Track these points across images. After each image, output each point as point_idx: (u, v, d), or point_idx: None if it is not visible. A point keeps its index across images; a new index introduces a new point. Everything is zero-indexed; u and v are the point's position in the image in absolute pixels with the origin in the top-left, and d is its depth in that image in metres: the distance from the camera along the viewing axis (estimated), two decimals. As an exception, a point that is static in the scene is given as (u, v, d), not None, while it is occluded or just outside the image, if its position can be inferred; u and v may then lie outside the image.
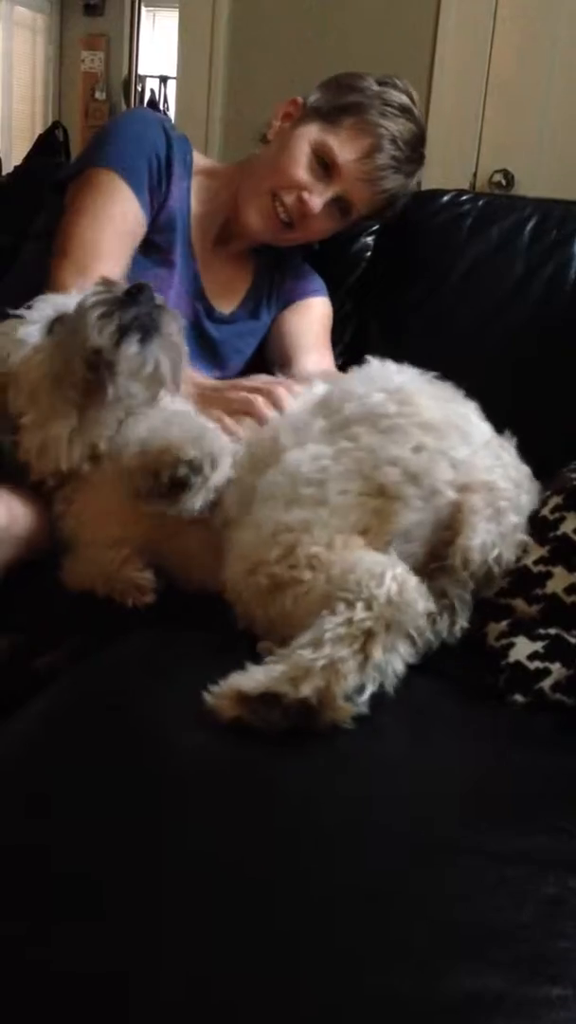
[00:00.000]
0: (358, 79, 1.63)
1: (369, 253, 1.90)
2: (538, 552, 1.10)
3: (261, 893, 0.73)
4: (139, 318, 1.18)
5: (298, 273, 1.78)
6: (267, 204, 1.61)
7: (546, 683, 1.01)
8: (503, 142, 2.61)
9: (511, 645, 1.05)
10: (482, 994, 0.66)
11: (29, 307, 1.28)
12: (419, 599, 0.98)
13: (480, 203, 1.88)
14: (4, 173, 2.89)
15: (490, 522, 1.07)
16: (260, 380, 1.35)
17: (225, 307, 1.72)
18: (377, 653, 0.94)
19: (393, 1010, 0.65)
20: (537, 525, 1.13)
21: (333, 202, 1.61)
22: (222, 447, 1.14)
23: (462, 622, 1.07)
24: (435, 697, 1.01)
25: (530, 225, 1.82)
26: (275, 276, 1.76)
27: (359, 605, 0.95)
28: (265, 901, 0.73)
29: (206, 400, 1.32)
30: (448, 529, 1.07)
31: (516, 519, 1.10)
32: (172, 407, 1.26)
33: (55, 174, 1.73)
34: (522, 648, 1.04)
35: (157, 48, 8.08)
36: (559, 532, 1.11)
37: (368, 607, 0.95)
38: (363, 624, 0.94)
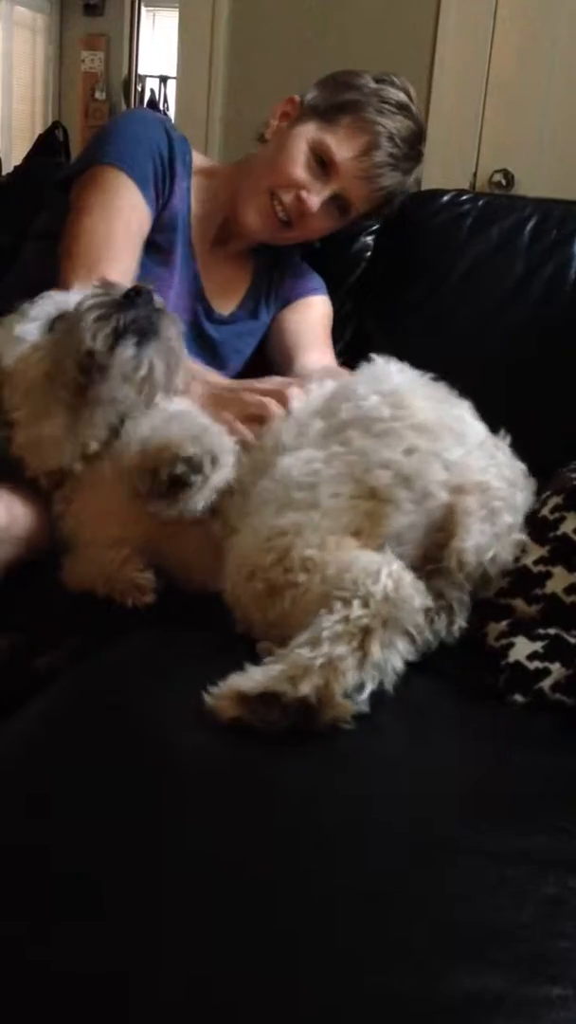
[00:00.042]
0: (355, 77, 1.63)
1: (369, 253, 1.90)
2: (538, 552, 1.10)
3: (261, 893, 0.73)
4: (136, 321, 1.18)
5: (297, 272, 1.78)
6: (265, 203, 1.61)
7: (546, 683, 1.01)
8: (503, 142, 2.61)
9: (511, 645, 1.05)
10: (482, 994, 0.66)
11: (32, 303, 1.28)
12: (415, 595, 0.98)
13: (480, 203, 1.88)
14: (4, 173, 2.89)
15: (484, 523, 1.07)
16: (274, 382, 1.34)
17: (224, 308, 1.72)
18: (375, 650, 0.94)
19: (393, 1010, 0.65)
20: (537, 525, 1.13)
21: (331, 200, 1.61)
22: (223, 446, 1.14)
23: (460, 622, 1.07)
24: (434, 697, 1.01)
25: (530, 225, 1.82)
26: (274, 275, 1.76)
27: (356, 603, 0.95)
28: (265, 901, 0.73)
29: (219, 401, 1.31)
30: (442, 531, 1.07)
31: (511, 519, 1.10)
32: (174, 407, 1.26)
33: (55, 174, 1.73)
34: (522, 648, 1.04)
35: (157, 48, 8.08)
36: (559, 532, 1.11)
37: (365, 604, 0.95)
38: (360, 621, 0.94)
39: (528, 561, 1.10)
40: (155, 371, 1.21)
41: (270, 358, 1.73)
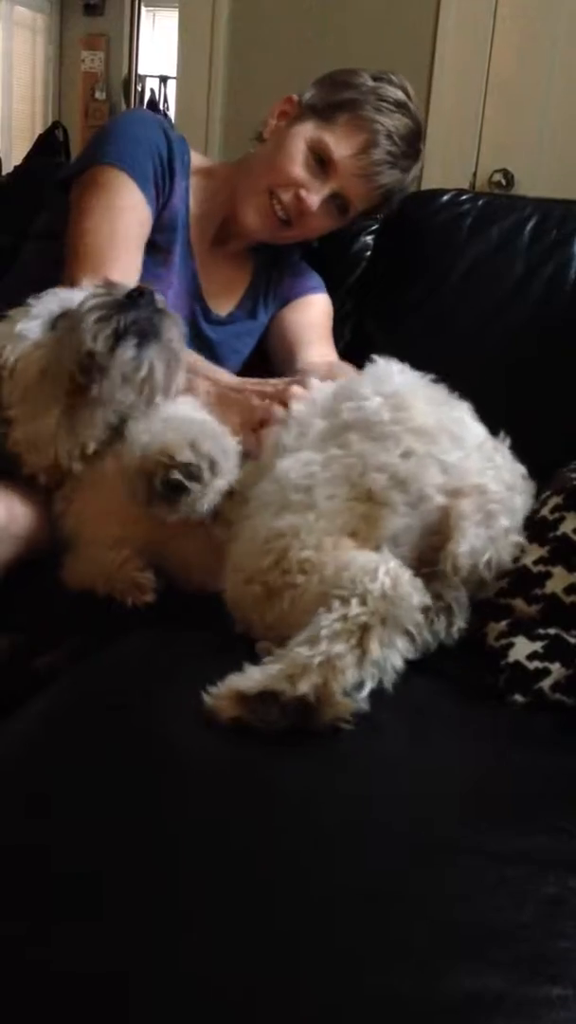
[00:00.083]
0: (353, 75, 1.63)
1: (369, 253, 1.90)
2: (537, 552, 1.10)
3: (261, 893, 0.73)
4: (137, 322, 1.18)
5: (296, 271, 1.78)
6: (264, 203, 1.61)
7: (546, 683, 1.01)
8: (503, 142, 2.61)
9: (511, 645, 1.05)
10: (482, 994, 0.66)
11: (38, 298, 1.27)
12: (413, 593, 0.98)
13: (480, 203, 1.88)
14: (4, 173, 2.89)
15: (479, 527, 1.07)
16: (281, 384, 1.33)
17: (222, 308, 1.72)
18: (374, 648, 0.94)
19: (393, 1010, 0.65)
20: (537, 525, 1.13)
21: (330, 199, 1.61)
22: (224, 449, 1.13)
23: (460, 623, 1.07)
24: (434, 697, 1.01)
25: (530, 225, 1.82)
26: (273, 275, 1.76)
27: (353, 601, 0.95)
28: (265, 901, 0.73)
29: (225, 401, 1.31)
30: (438, 534, 1.07)
31: (508, 522, 1.10)
32: (179, 408, 1.26)
33: (55, 174, 1.73)
34: (522, 648, 1.04)
35: (157, 48, 8.08)
36: (559, 532, 1.11)
37: (363, 602, 0.95)
38: (358, 619, 0.94)
39: (528, 561, 1.10)
40: (155, 372, 1.21)
41: (271, 357, 1.73)
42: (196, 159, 1.71)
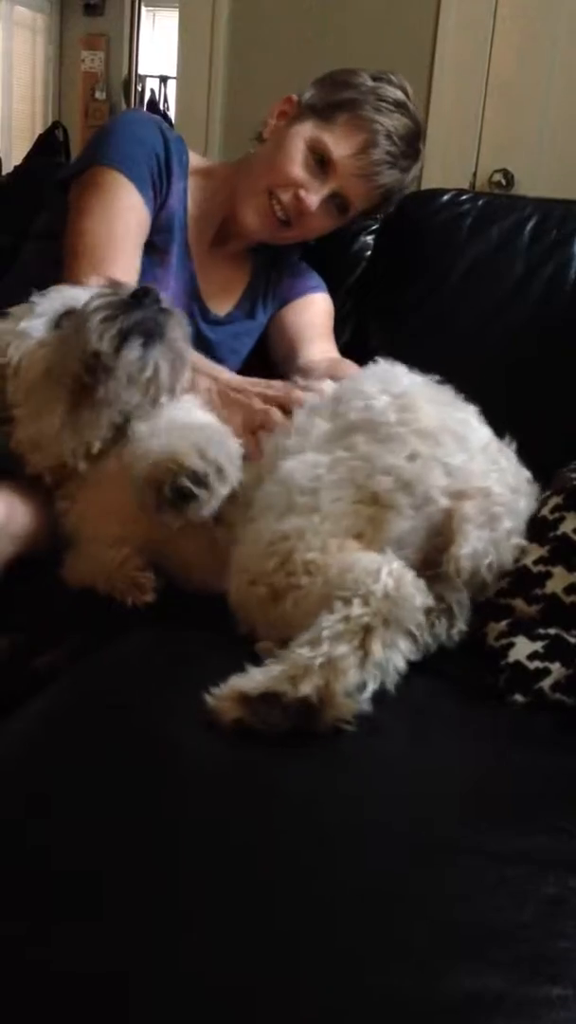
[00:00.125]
0: (352, 75, 1.63)
1: (369, 253, 1.91)
2: (538, 552, 1.10)
3: (261, 893, 0.73)
4: (143, 322, 1.18)
5: (295, 271, 1.78)
6: (264, 203, 1.61)
7: (546, 683, 1.01)
8: (503, 142, 2.61)
9: (511, 645, 1.05)
10: (482, 994, 0.65)
11: (41, 296, 1.27)
12: (416, 594, 0.98)
13: (480, 203, 1.88)
14: (4, 173, 2.89)
15: (482, 529, 1.07)
16: (281, 386, 1.33)
17: (221, 308, 1.72)
18: (376, 649, 0.94)
19: (393, 1010, 0.65)
20: (537, 525, 1.13)
21: (330, 199, 1.61)
22: (229, 453, 1.13)
23: (460, 625, 1.07)
24: (435, 697, 1.01)
25: (530, 225, 1.82)
26: (272, 275, 1.76)
27: (356, 602, 0.95)
28: (265, 901, 0.73)
29: (227, 400, 1.31)
30: (441, 536, 1.07)
31: (511, 524, 1.10)
32: (182, 409, 1.26)
33: (55, 174, 1.73)
34: (522, 648, 1.04)
35: (157, 48, 8.08)
36: (559, 532, 1.11)
37: (365, 603, 0.95)
38: (361, 620, 0.94)
39: (528, 561, 1.10)
40: (160, 372, 1.21)
41: (272, 356, 1.73)
42: (195, 159, 1.71)
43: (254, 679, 0.91)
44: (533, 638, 1.05)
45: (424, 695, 0.99)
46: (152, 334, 1.19)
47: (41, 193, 1.74)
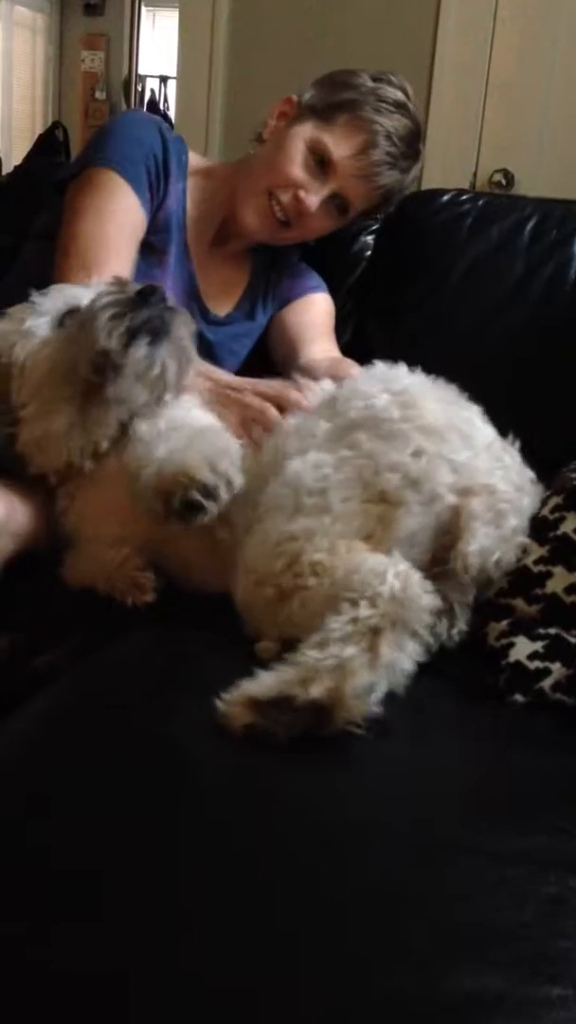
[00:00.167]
0: (352, 76, 1.63)
1: (369, 253, 1.90)
2: (538, 552, 1.10)
3: (261, 893, 0.73)
4: (150, 320, 1.18)
5: (295, 272, 1.78)
6: (264, 203, 1.61)
7: (546, 683, 1.01)
8: (503, 142, 2.61)
9: (511, 645, 1.05)
10: (482, 994, 0.66)
11: (42, 295, 1.27)
12: (423, 595, 0.98)
13: (480, 203, 1.88)
14: (4, 173, 2.88)
15: (489, 526, 1.07)
16: (277, 385, 1.33)
17: (220, 309, 1.72)
18: (385, 650, 0.93)
19: (393, 1010, 0.65)
20: (537, 525, 1.13)
21: (330, 200, 1.61)
22: (234, 461, 1.12)
23: (461, 625, 1.07)
24: (435, 697, 1.00)
25: (530, 225, 1.82)
26: (271, 276, 1.76)
27: (363, 603, 0.95)
28: (265, 901, 0.73)
29: (222, 399, 1.31)
30: (449, 534, 1.07)
31: (516, 522, 1.10)
32: (181, 409, 1.26)
33: (55, 174, 1.73)
34: (522, 648, 1.04)
35: (157, 48, 8.08)
36: (559, 532, 1.11)
37: (372, 604, 0.95)
38: (369, 621, 0.94)
39: (528, 561, 1.10)
40: (167, 371, 1.21)
41: (273, 356, 1.73)
42: (195, 159, 1.71)
43: (264, 683, 0.90)
44: (533, 638, 1.05)
45: (424, 695, 0.99)
46: (159, 332, 1.19)
47: (41, 193, 1.74)
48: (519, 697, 1.01)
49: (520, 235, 1.81)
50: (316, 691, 0.88)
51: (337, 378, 1.30)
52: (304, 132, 1.59)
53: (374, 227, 1.89)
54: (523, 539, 1.11)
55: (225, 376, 1.42)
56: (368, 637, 0.93)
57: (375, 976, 0.67)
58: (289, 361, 1.61)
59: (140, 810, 0.82)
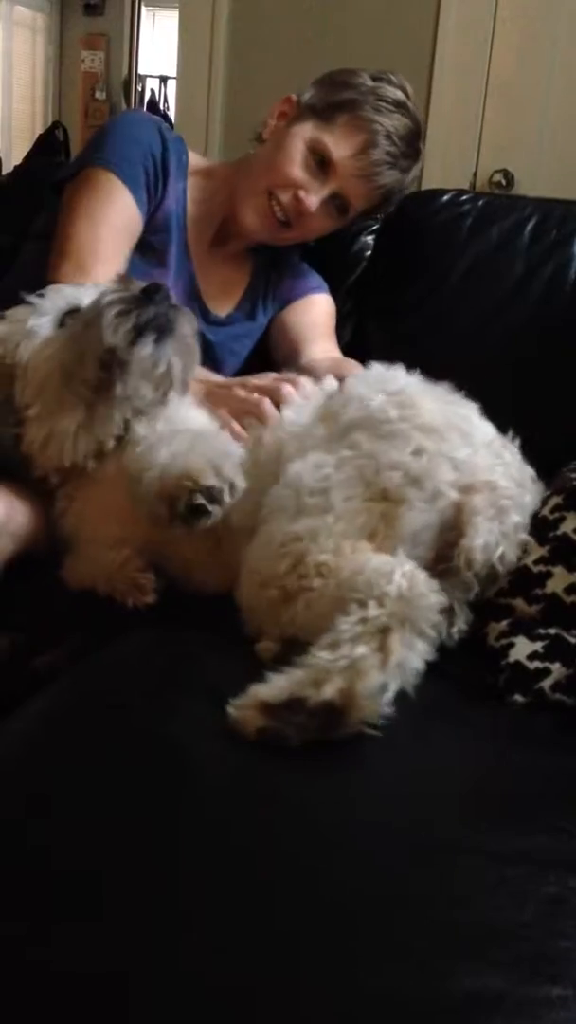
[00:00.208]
0: (352, 75, 1.63)
1: (369, 253, 1.91)
2: (538, 552, 1.10)
3: (261, 893, 0.73)
4: (156, 318, 1.18)
5: (296, 272, 1.78)
6: (263, 203, 1.61)
7: (546, 683, 1.01)
8: (503, 142, 2.61)
9: (511, 645, 1.05)
10: (482, 994, 0.66)
11: (41, 295, 1.27)
12: (430, 593, 0.98)
13: (480, 203, 1.88)
14: (4, 173, 2.88)
15: (492, 521, 1.07)
16: (268, 378, 1.34)
17: (221, 309, 1.72)
18: (396, 649, 0.93)
19: (393, 1010, 0.65)
20: (537, 525, 1.13)
21: (330, 200, 1.61)
22: (236, 465, 1.12)
23: (460, 624, 1.07)
24: (434, 697, 1.00)
25: (530, 225, 1.82)
26: (272, 276, 1.76)
27: (371, 603, 0.95)
28: (265, 901, 0.73)
29: (214, 397, 1.32)
30: (452, 530, 1.07)
31: (518, 518, 1.10)
32: (184, 410, 1.26)
33: (55, 174, 1.73)
34: (522, 648, 1.04)
35: (157, 48, 8.08)
36: (559, 532, 1.11)
37: (380, 604, 0.95)
38: (378, 621, 0.94)
39: (528, 561, 1.10)
40: (173, 368, 1.21)
41: (274, 356, 1.73)
42: (195, 159, 1.71)
43: (275, 686, 0.90)
44: (533, 638, 1.05)
45: (424, 695, 0.99)
46: (164, 330, 1.19)
47: (41, 193, 1.74)
48: (519, 697, 1.01)
49: (520, 235, 1.81)
50: (328, 692, 0.88)
51: (339, 378, 1.30)
52: (304, 132, 1.59)
53: (374, 227, 1.89)
54: (525, 536, 1.11)
55: (215, 377, 1.43)
56: (378, 637, 0.93)
57: (375, 976, 0.67)
58: (290, 362, 1.62)
59: (140, 810, 0.82)
